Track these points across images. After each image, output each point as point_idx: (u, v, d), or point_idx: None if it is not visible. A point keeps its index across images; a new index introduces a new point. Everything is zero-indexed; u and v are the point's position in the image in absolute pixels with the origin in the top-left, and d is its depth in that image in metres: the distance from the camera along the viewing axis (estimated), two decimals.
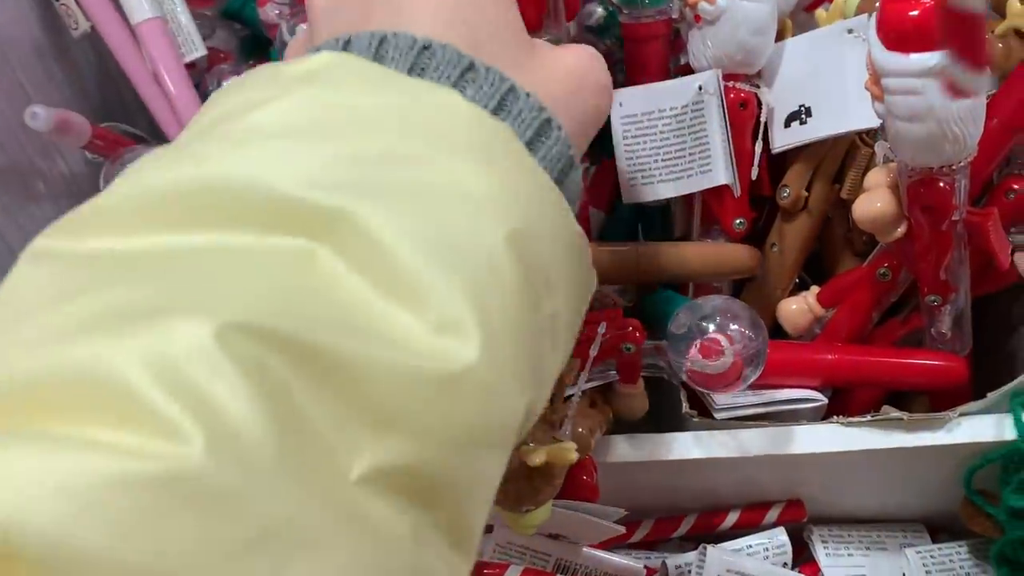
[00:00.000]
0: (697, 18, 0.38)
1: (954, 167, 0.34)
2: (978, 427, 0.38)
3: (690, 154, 0.39)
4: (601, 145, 0.39)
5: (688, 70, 0.40)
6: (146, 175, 0.20)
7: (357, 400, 0.18)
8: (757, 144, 0.40)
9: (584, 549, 0.39)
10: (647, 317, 0.42)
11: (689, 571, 0.40)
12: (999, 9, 0.40)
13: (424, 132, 0.21)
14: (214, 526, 0.15)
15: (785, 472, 0.40)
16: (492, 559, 0.40)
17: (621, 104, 0.40)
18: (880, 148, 0.39)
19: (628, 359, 0.37)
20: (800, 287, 0.44)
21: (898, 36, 0.31)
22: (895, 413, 0.38)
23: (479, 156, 0.21)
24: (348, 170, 0.19)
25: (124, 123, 0.47)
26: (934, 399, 0.42)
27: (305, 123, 0.20)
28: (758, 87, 0.40)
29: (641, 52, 0.41)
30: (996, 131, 0.37)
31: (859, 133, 0.41)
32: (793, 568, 0.42)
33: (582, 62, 0.26)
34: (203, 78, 0.48)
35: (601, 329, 0.34)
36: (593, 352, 0.34)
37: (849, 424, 0.38)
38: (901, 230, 0.37)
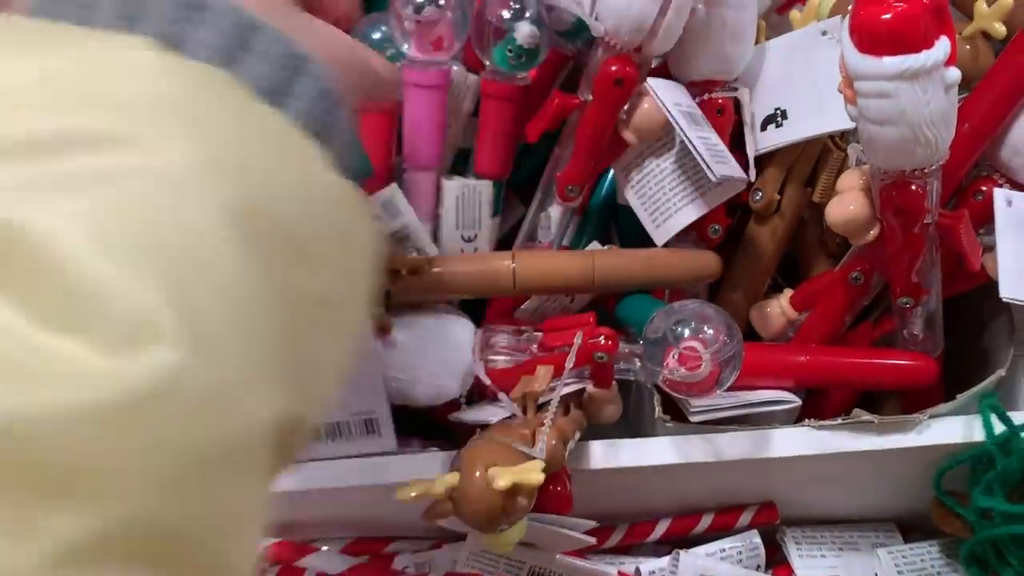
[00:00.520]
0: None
1: (926, 170, 0.34)
2: (948, 429, 0.38)
3: (695, 172, 0.39)
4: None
5: None
6: None
7: (24, 471, 0.14)
8: (749, 145, 0.40)
9: (558, 556, 0.39)
10: (622, 320, 0.42)
11: None
12: (966, 11, 0.40)
13: (101, 100, 0.17)
14: None
15: (758, 475, 0.40)
16: (465, 567, 0.40)
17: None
18: (853, 151, 0.40)
19: (602, 364, 0.37)
20: (775, 289, 0.44)
21: (870, 39, 0.31)
22: (866, 416, 0.38)
23: (179, 120, 0.17)
24: None
25: None
26: (907, 400, 0.42)
27: None
28: (736, 90, 0.40)
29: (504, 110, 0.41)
30: (968, 135, 0.38)
31: (832, 136, 0.41)
32: (766, 570, 0.42)
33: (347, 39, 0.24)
34: None
35: (577, 340, 0.33)
36: (569, 364, 0.34)
37: (821, 427, 0.38)
38: (874, 233, 0.37)
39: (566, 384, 0.36)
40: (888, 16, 0.30)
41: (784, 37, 0.41)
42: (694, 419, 0.38)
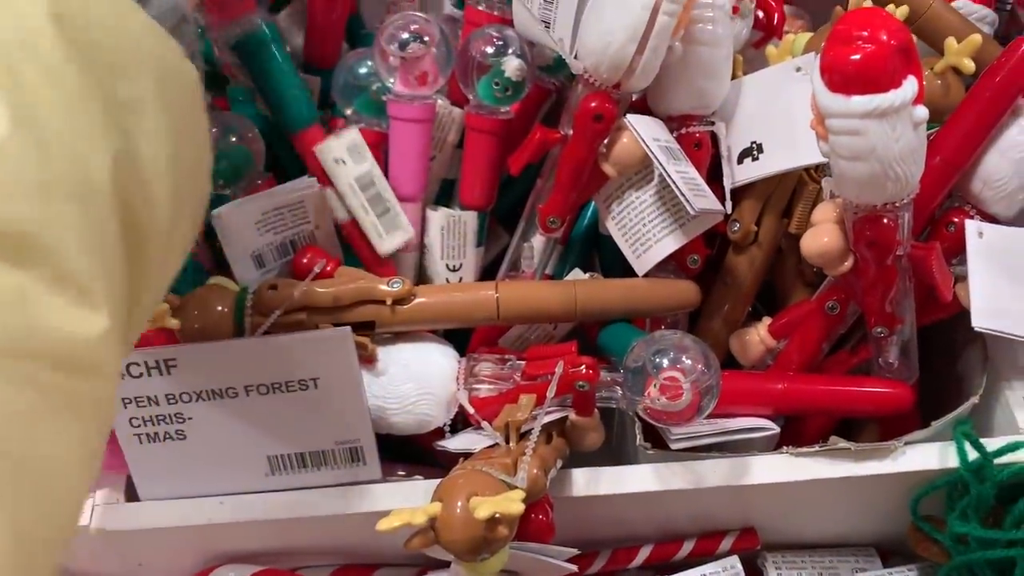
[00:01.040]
0: None
1: (897, 204, 0.35)
2: (923, 456, 0.39)
3: (674, 204, 0.40)
4: None
5: None
6: None
7: None
8: (726, 177, 0.41)
9: None
10: (604, 349, 0.43)
11: None
12: (938, 47, 0.41)
13: None
14: None
15: (738, 501, 0.40)
16: None
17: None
18: (827, 184, 0.40)
19: (583, 393, 0.37)
20: (754, 317, 0.45)
21: (840, 79, 0.32)
22: (843, 443, 0.39)
23: None
24: None
25: None
26: (884, 426, 0.43)
27: None
28: (713, 123, 0.41)
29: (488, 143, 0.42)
30: (940, 167, 0.39)
31: (808, 169, 0.41)
32: None
33: None
34: None
35: (559, 370, 0.34)
36: (551, 393, 0.34)
37: (799, 454, 0.39)
38: (848, 264, 0.38)
39: (548, 412, 0.37)
40: (857, 57, 0.31)
41: (760, 73, 0.42)
42: (675, 446, 0.39)
